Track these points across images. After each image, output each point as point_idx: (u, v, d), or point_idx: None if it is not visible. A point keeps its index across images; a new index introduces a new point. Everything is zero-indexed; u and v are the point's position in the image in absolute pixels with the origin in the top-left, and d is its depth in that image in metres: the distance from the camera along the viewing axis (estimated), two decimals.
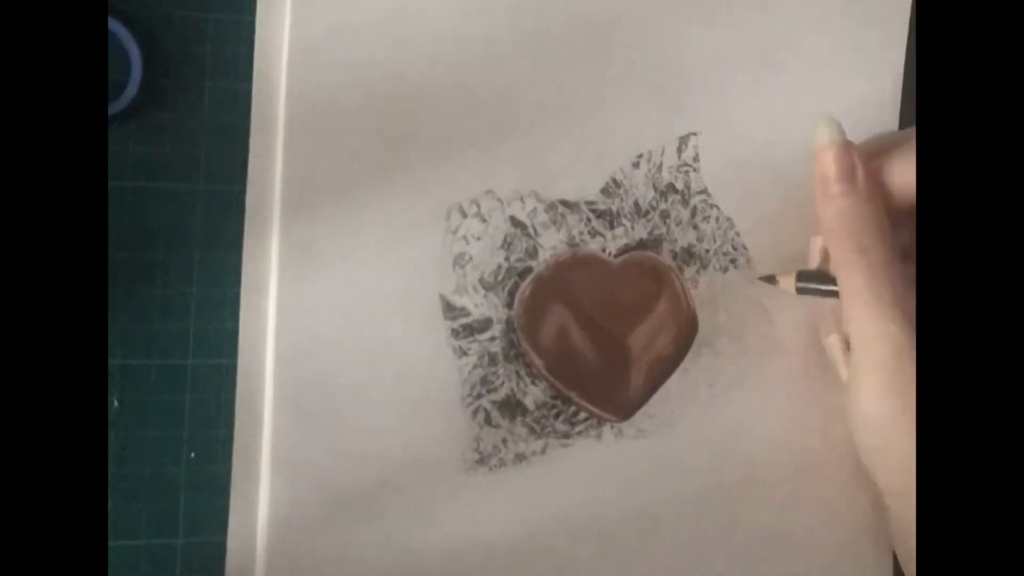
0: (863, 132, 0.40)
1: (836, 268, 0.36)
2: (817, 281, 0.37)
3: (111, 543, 0.34)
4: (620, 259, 0.38)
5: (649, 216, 0.38)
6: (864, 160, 0.36)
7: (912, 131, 0.38)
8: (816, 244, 0.38)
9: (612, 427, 0.38)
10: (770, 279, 0.39)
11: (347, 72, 0.35)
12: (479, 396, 0.36)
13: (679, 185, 0.39)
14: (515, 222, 0.37)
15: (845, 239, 0.35)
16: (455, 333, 0.36)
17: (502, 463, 0.37)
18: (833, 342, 0.38)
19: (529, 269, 0.37)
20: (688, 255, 0.39)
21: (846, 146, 0.36)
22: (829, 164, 0.36)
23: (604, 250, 0.38)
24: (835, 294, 0.36)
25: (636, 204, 0.38)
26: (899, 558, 0.39)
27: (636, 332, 0.37)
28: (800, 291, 0.38)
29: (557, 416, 0.37)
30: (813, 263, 0.38)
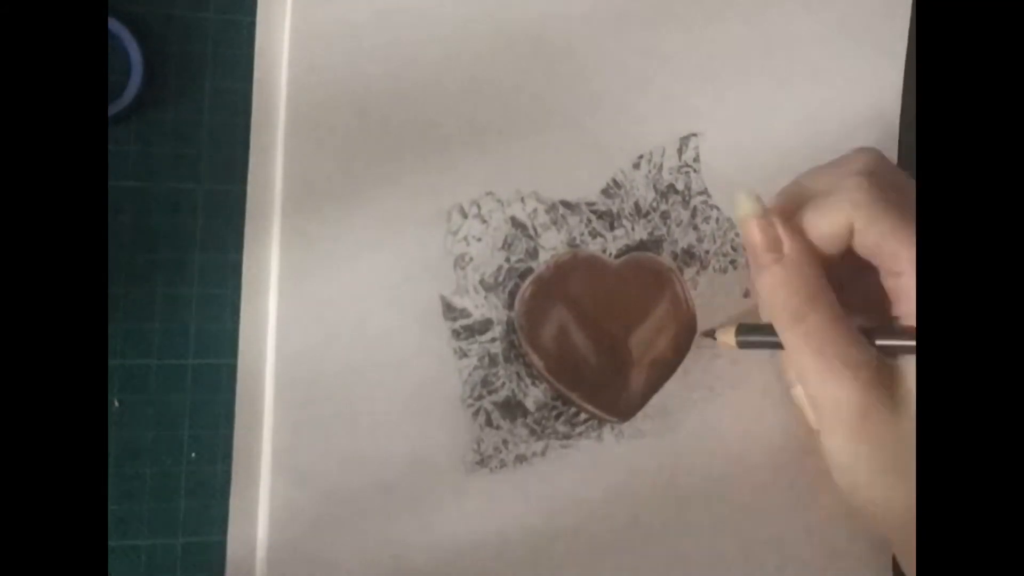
0: (864, 132, 0.40)
1: (780, 335, 0.35)
2: (759, 334, 0.36)
3: (111, 543, 0.34)
4: (620, 260, 0.38)
5: (649, 217, 0.38)
6: (787, 226, 0.34)
7: (822, 171, 0.36)
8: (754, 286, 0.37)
9: (612, 428, 0.38)
10: (709, 334, 0.38)
11: (347, 72, 0.36)
12: (480, 397, 0.36)
13: (680, 186, 0.39)
14: (516, 223, 0.37)
15: (779, 309, 0.34)
16: (455, 334, 0.36)
17: (503, 464, 0.37)
18: (799, 393, 0.37)
19: (530, 270, 0.37)
20: (688, 256, 0.39)
21: (766, 217, 0.35)
22: (755, 235, 0.35)
23: (604, 251, 0.38)
24: (779, 346, 0.35)
25: (636, 205, 0.38)
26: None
27: (636, 333, 0.37)
28: (741, 345, 0.37)
29: (558, 417, 0.37)
30: (754, 300, 0.38)
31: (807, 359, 0.34)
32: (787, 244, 0.34)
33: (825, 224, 0.34)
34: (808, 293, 0.34)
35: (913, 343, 0.33)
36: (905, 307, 0.34)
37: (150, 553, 0.35)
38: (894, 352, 0.34)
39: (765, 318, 0.35)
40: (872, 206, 0.33)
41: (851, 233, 0.34)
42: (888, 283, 0.34)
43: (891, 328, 0.34)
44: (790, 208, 0.35)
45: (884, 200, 0.33)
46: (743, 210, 0.35)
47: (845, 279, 0.35)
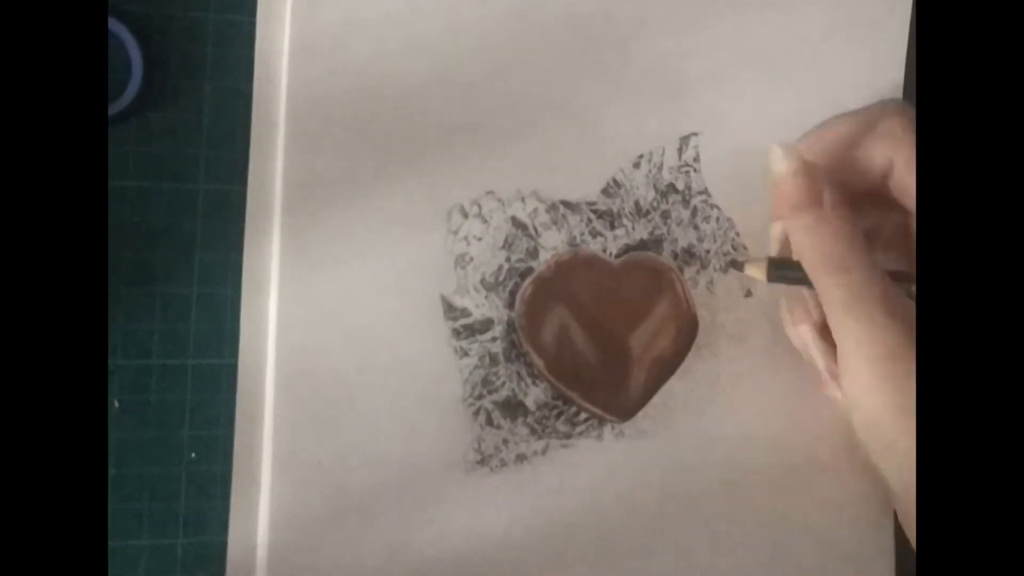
0: None
1: (817, 285, 0.35)
2: (790, 270, 0.36)
3: (111, 543, 0.34)
4: (621, 259, 0.38)
5: (650, 216, 0.38)
6: (825, 176, 0.35)
7: (847, 118, 0.38)
8: (776, 230, 0.37)
9: (613, 427, 0.38)
10: (738, 265, 0.38)
11: (347, 72, 0.35)
12: (480, 396, 0.36)
13: (680, 185, 0.39)
14: (516, 222, 0.37)
15: (822, 260, 0.34)
16: (456, 333, 0.36)
17: (503, 463, 0.37)
18: (806, 331, 0.37)
19: (530, 269, 0.37)
20: (689, 255, 0.39)
21: (809, 169, 0.35)
22: (793, 189, 0.35)
23: (605, 250, 0.38)
24: (810, 284, 0.35)
25: (637, 204, 0.38)
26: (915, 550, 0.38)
27: (637, 332, 0.37)
28: (772, 279, 0.36)
29: (558, 416, 0.37)
30: (773, 250, 0.38)
31: (847, 305, 0.34)
32: (828, 195, 0.34)
33: (865, 162, 0.35)
34: (850, 243, 0.34)
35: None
36: None
37: (150, 553, 0.35)
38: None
39: (804, 265, 0.35)
40: (914, 146, 0.34)
41: (888, 172, 0.34)
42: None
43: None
44: (822, 157, 0.36)
45: None
46: (780, 166, 0.35)
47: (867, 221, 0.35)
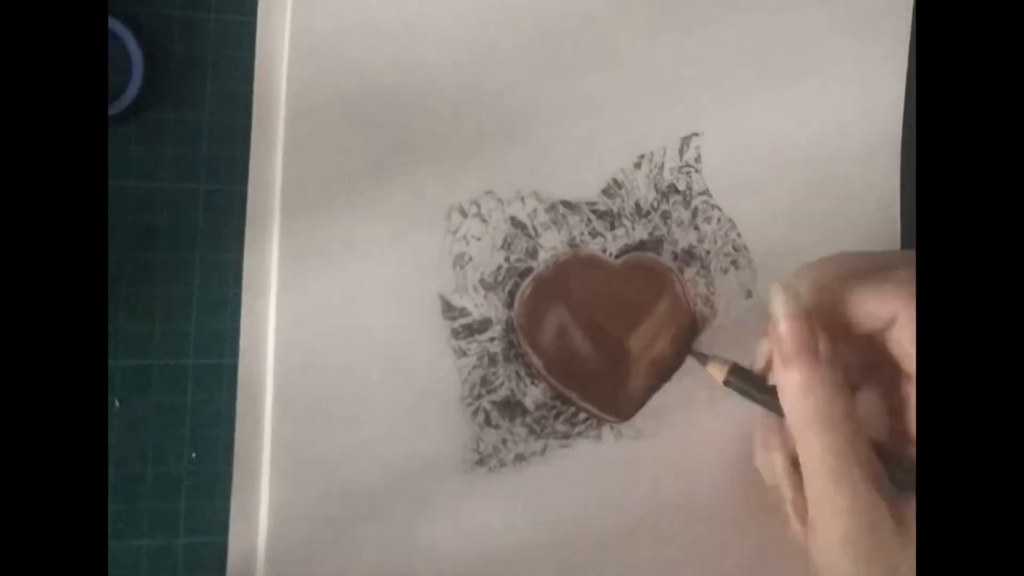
0: (866, 132, 0.40)
1: (798, 437, 0.33)
2: (751, 385, 0.35)
3: (111, 543, 0.34)
4: (621, 260, 0.38)
5: (650, 217, 0.38)
6: (823, 324, 0.33)
7: (859, 258, 0.35)
8: (763, 348, 0.36)
9: (612, 428, 0.38)
10: (702, 359, 0.37)
11: (347, 72, 0.36)
12: (479, 396, 0.36)
13: (681, 186, 0.39)
14: (515, 222, 0.37)
15: (808, 412, 0.33)
16: (455, 333, 0.36)
17: (502, 464, 0.37)
18: (778, 460, 0.36)
19: (529, 269, 0.37)
20: (689, 256, 0.39)
21: (807, 317, 0.33)
22: (789, 333, 0.33)
23: (605, 251, 0.38)
24: (767, 406, 0.35)
25: (637, 205, 0.38)
26: None
27: (636, 333, 0.37)
28: (727, 384, 0.36)
29: (557, 417, 0.37)
30: (757, 365, 0.36)
31: (826, 462, 0.32)
32: (823, 345, 0.33)
33: (867, 312, 0.33)
34: (840, 399, 0.32)
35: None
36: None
37: (150, 553, 0.35)
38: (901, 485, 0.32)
39: (788, 416, 0.34)
40: None
41: (889, 326, 0.32)
42: (908, 390, 0.33)
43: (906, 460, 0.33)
44: (824, 302, 0.34)
45: None
46: (779, 308, 0.33)
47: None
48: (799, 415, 0.33)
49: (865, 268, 0.34)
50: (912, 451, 0.33)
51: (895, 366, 0.34)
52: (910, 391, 0.34)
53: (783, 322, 0.33)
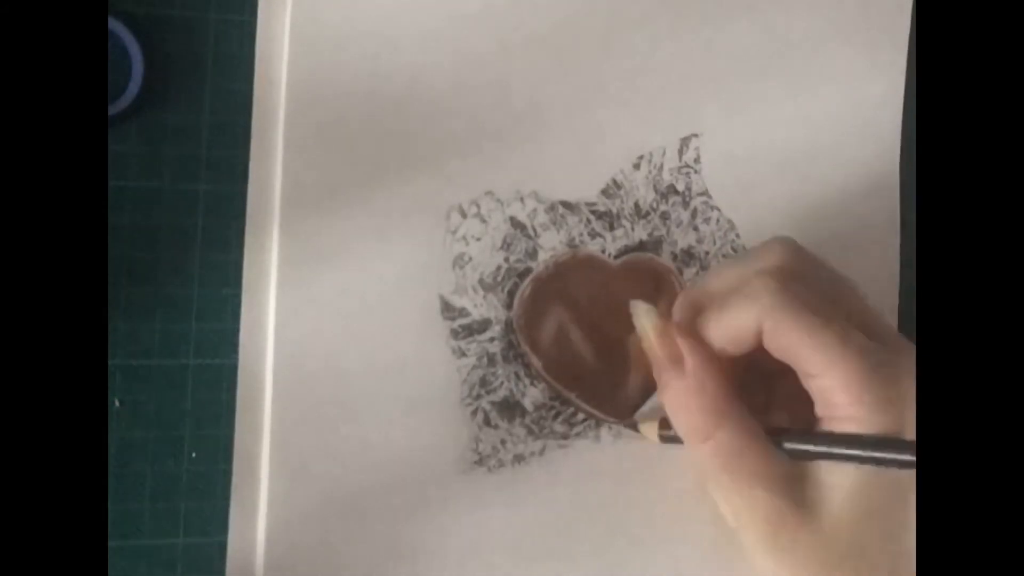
0: (865, 133, 0.40)
1: (690, 451, 0.34)
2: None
3: (111, 543, 0.34)
4: (620, 260, 0.38)
5: (649, 217, 0.38)
6: (688, 339, 0.33)
7: (728, 267, 0.35)
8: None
9: (610, 428, 0.38)
10: (632, 425, 0.37)
11: (347, 72, 0.36)
12: (478, 397, 0.36)
13: (680, 187, 0.39)
14: (515, 223, 0.37)
15: (684, 427, 0.34)
16: (454, 333, 0.36)
17: (501, 464, 0.37)
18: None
19: (529, 270, 0.37)
20: (688, 257, 0.39)
21: (665, 331, 0.34)
22: (655, 351, 0.34)
23: (604, 251, 0.38)
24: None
25: (636, 205, 0.38)
26: None
27: (635, 334, 0.37)
28: (664, 440, 0.36)
29: (556, 417, 0.37)
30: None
31: (716, 476, 0.33)
32: (688, 360, 0.33)
33: (731, 329, 0.33)
34: (713, 409, 0.33)
35: (822, 449, 0.32)
36: (823, 409, 0.32)
37: (150, 553, 0.35)
38: (807, 456, 0.32)
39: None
40: (780, 310, 0.32)
41: (760, 334, 0.32)
42: (806, 384, 0.33)
43: (802, 433, 0.33)
44: (692, 316, 0.34)
45: (793, 302, 0.32)
46: (639, 325, 0.35)
47: (775, 371, 0.33)
48: (679, 431, 0.34)
49: (731, 279, 0.34)
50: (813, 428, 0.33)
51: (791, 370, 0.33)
52: (808, 384, 0.33)
53: (649, 337, 0.34)
